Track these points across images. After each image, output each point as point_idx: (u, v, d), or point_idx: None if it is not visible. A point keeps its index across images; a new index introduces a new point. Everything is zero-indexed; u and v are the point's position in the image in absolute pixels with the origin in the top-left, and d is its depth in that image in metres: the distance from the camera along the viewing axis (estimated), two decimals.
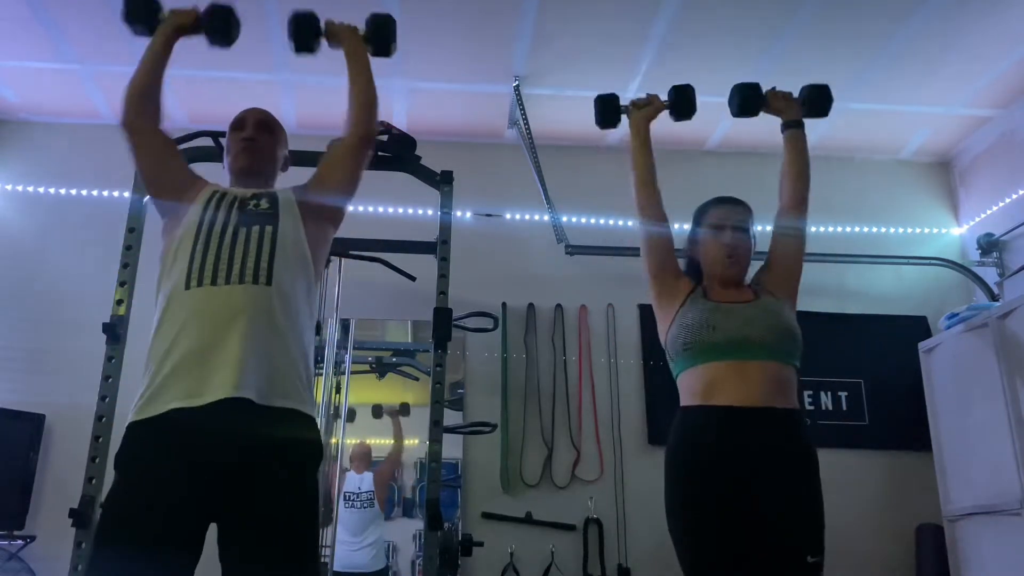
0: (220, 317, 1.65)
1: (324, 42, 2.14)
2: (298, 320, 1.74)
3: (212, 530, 1.61)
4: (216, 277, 1.68)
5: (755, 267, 2.30)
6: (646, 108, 2.42)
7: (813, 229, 4.34)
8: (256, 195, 1.85)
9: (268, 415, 1.61)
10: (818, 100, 2.45)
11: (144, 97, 1.93)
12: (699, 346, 2.09)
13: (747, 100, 2.45)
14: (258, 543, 1.56)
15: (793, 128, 2.37)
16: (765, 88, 2.47)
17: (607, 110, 2.49)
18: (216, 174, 2.01)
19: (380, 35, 2.11)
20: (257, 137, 1.96)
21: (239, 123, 1.99)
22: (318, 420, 1.84)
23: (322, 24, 2.12)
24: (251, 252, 1.71)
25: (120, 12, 2.06)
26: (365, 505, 3.88)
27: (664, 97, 2.47)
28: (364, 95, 2.00)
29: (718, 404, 2.04)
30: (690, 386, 2.12)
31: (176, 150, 1.99)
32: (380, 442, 4.04)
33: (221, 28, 2.08)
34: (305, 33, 2.11)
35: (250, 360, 1.61)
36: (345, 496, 3.85)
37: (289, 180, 2.07)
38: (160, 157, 1.90)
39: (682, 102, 2.45)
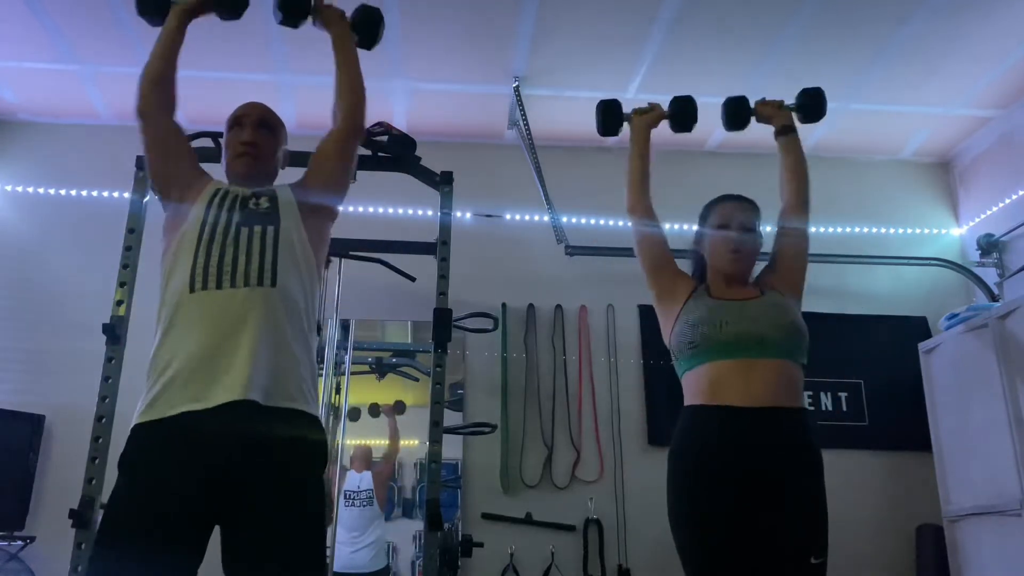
0: (227, 320, 1.65)
1: (309, 22, 2.15)
2: (302, 321, 1.75)
3: (213, 532, 1.61)
4: (221, 280, 1.67)
5: (760, 267, 2.30)
6: (647, 115, 2.45)
7: (813, 229, 4.38)
8: (256, 193, 1.84)
9: (273, 416, 1.61)
10: (812, 104, 2.47)
11: (157, 84, 1.93)
12: (705, 344, 2.08)
13: (735, 113, 2.48)
14: (263, 547, 1.55)
15: (785, 135, 2.39)
16: (755, 98, 2.49)
17: (609, 117, 2.49)
18: (216, 174, 2.01)
19: (368, 26, 2.12)
20: (256, 140, 1.92)
21: (237, 121, 1.95)
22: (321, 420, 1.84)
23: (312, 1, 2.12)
24: (255, 253, 1.71)
25: (135, 7, 2.08)
26: (364, 503, 3.88)
27: (666, 106, 2.48)
28: (355, 83, 2.02)
29: (723, 404, 2.03)
30: (695, 385, 2.10)
31: (185, 145, 1.97)
32: (380, 443, 4.04)
33: (230, 3, 2.10)
34: (294, 6, 2.11)
35: (257, 363, 1.61)
36: (345, 494, 3.85)
37: (288, 178, 2.07)
38: (168, 150, 1.89)
39: (683, 114, 2.46)
